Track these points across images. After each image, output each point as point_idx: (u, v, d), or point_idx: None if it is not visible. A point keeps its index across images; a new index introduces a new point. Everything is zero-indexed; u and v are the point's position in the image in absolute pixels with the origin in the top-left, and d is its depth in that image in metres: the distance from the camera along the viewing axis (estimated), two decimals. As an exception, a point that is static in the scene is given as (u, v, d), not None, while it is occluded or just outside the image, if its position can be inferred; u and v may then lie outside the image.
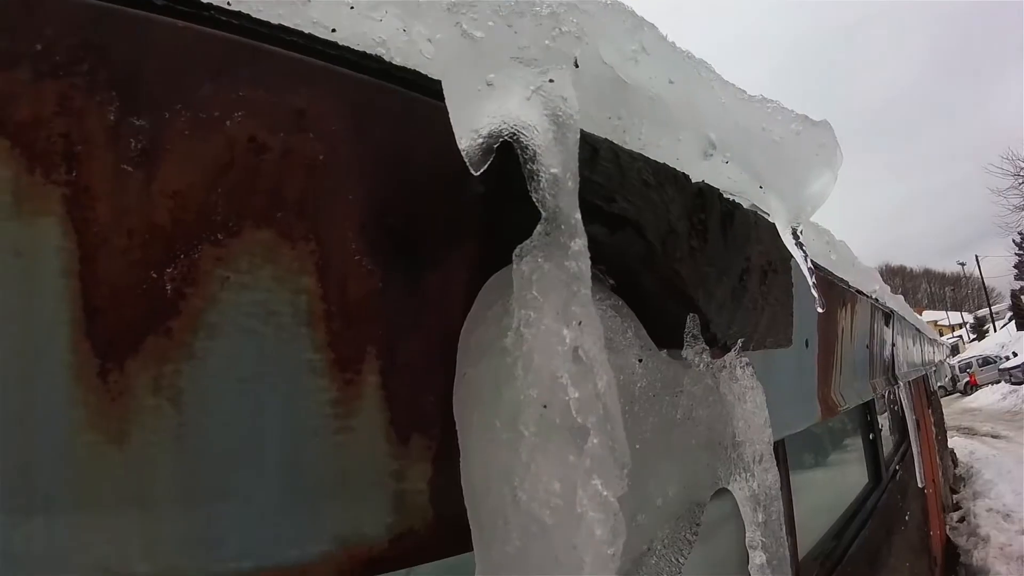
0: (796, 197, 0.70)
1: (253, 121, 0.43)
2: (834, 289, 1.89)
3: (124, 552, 0.39)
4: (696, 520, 0.63)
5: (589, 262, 0.43)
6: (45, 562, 0.37)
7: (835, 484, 3.72)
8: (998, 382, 28.76)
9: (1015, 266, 47.65)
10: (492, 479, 0.44)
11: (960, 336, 48.56)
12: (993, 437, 17.47)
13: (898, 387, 2.81)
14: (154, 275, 0.40)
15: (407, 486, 0.50)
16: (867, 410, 5.02)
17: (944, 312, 48.72)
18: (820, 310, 1.39)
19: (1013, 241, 45.46)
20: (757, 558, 0.73)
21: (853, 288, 2.16)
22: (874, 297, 2.55)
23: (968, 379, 31.77)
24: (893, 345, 2.89)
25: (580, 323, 0.42)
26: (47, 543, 0.37)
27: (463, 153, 0.47)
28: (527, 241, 0.45)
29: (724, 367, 0.70)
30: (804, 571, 2.48)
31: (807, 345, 1.51)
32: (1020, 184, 32.00)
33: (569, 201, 0.44)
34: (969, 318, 56.01)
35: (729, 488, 0.70)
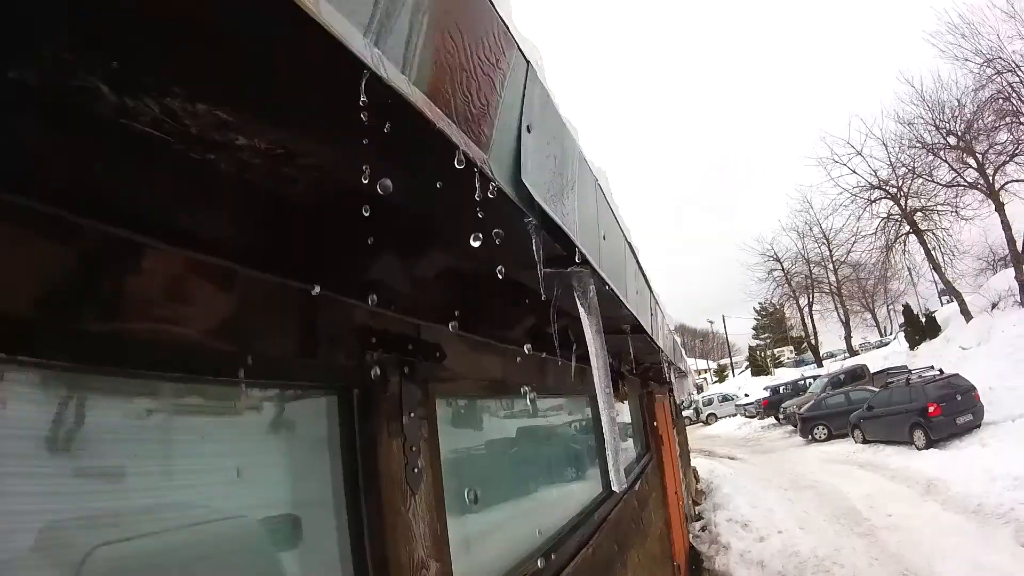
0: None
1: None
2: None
3: None
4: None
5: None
6: None
7: (559, 496, 3.09)
8: (735, 415, 34.36)
9: (753, 327, 61.59)
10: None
11: (705, 378, 58.90)
12: (730, 459, 20.32)
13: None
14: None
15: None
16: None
17: (693, 359, 59.44)
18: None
19: (754, 308, 57.18)
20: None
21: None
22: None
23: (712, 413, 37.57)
24: (638, 262, 2.41)
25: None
26: None
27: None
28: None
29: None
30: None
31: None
32: (765, 261, 40.05)
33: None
34: (713, 365, 68.08)
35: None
